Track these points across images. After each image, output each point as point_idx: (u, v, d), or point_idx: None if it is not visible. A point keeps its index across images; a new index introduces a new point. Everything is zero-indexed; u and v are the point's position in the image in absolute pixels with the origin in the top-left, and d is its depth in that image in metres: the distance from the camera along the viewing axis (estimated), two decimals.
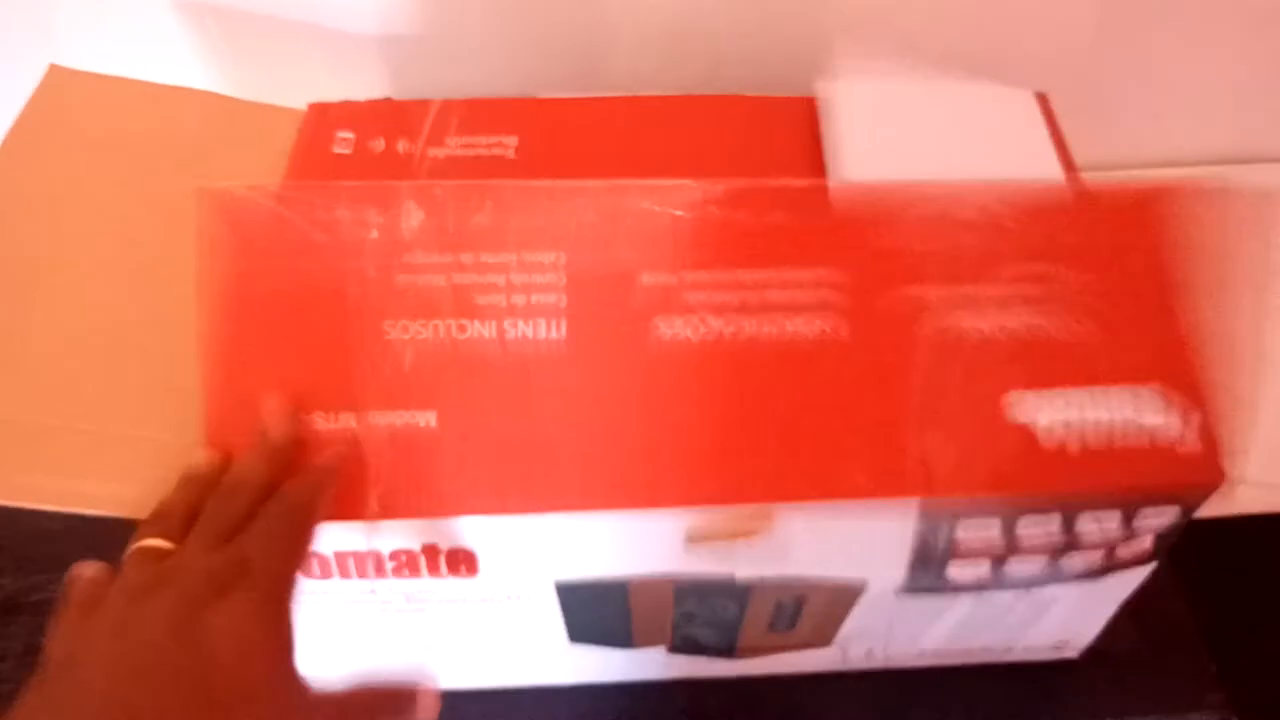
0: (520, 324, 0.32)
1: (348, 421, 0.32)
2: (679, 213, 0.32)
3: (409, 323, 0.32)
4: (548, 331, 0.32)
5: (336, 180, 0.40)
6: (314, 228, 0.33)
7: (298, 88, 0.57)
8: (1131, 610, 0.41)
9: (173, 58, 0.56)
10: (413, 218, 0.33)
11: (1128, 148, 0.65)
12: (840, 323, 0.32)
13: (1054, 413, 0.33)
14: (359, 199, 0.33)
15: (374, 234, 0.33)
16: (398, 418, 0.32)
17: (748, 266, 0.33)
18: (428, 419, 0.32)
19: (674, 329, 0.32)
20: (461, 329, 0.32)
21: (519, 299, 0.32)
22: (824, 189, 0.34)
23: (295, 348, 0.32)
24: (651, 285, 0.32)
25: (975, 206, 0.33)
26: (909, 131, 0.43)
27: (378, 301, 0.32)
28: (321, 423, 0.32)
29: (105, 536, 0.49)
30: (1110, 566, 0.37)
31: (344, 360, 0.32)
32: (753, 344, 0.32)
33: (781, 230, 0.33)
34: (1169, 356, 0.34)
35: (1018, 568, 0.36)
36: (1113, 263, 0.34)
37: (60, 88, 0.42)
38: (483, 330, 0.32)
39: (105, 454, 0.33)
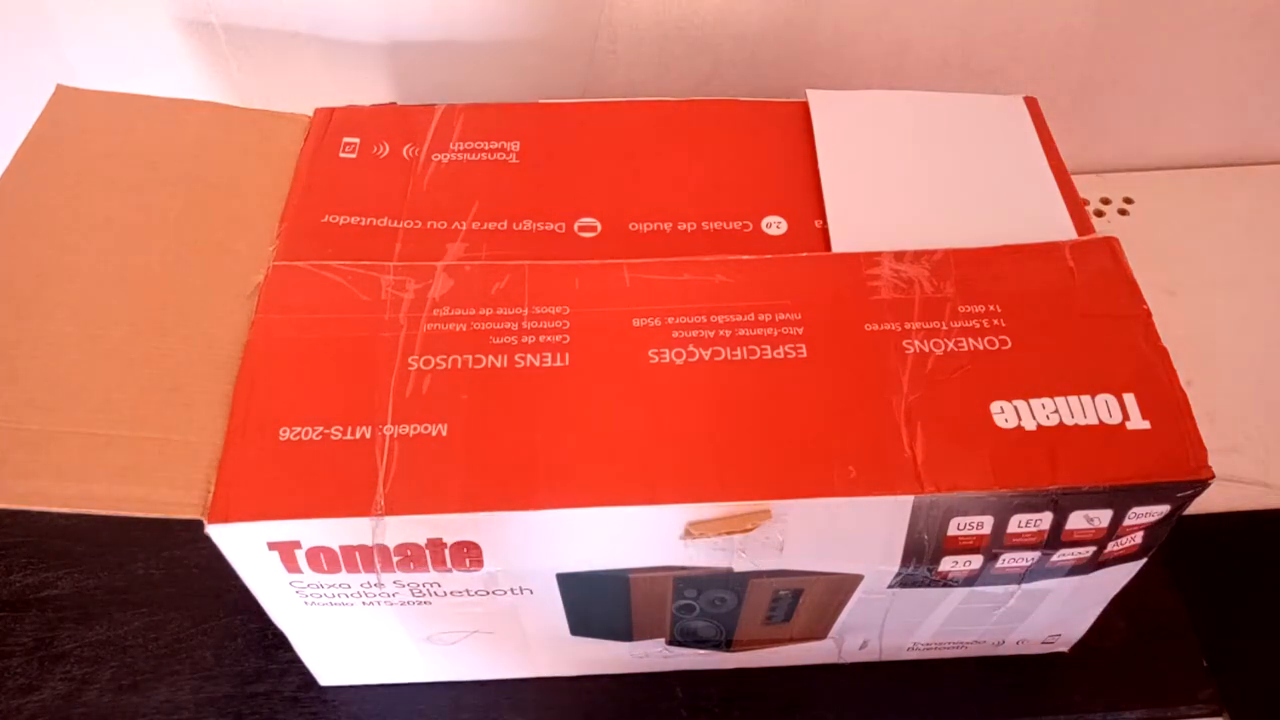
0: (529, 356, 0.35)
1: (363, 433, 0.33)
2: (664, 277, 0.38)
3: (430, 357, 0.35)
4: (553, 360, 0.35)
5: (343, 186, 0.41)
6: (359, 290, 0.37)
7: (304, 95, 0.58)
8: (1123, 605, 0.41)
9: (181, 70, 0.57)
10: (443, 285, 0.37)
11: (1124, 151, 0.66)
12: (808, 349, 0.36)
13: (1041, 417, 0.34)
14: (400, 271, 0.38)
15: (409, 295, 0.37)
16: (411, 429, 0.34)
17: (722, 313, 0.37)
18: (439, 429, 0.34)
19: (664, 358, 0.36)
20: (477, 361, 0.35)
21: (529, 339, 0.36)
22: (791, 259, 0.39)
23: (322, 377, 0.35)
24: (642, 327, 0.36)
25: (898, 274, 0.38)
26: (898, 137, 0.43)
27: (404, 343, 0.36)
28: (338, 434, 0.33)
29: (116, 534, 0.50)
30: (1101, 562, 0.37)
31: (367, 386, 0.34)
32: (735, 365, 0.36)
33: (747, 285, 0.38)
34: (1141, 366, 0.35)
35: (1009, 563, 0.36)
36: (1039, 298, 0.37)
37: (67, 106, 0.43)
38: (495, 361, 0.35)
39: (111, 456, 0.33)
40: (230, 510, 0.32)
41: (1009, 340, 0.36)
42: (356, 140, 0.43)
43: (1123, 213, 0.64)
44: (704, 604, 0.39)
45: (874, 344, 0.36)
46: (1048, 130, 0.44)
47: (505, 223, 0.40)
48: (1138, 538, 0.36)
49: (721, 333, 0.36)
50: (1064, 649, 0.46)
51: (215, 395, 0.35)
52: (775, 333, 0.36)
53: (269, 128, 0.43)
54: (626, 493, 0.33)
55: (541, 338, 0.36)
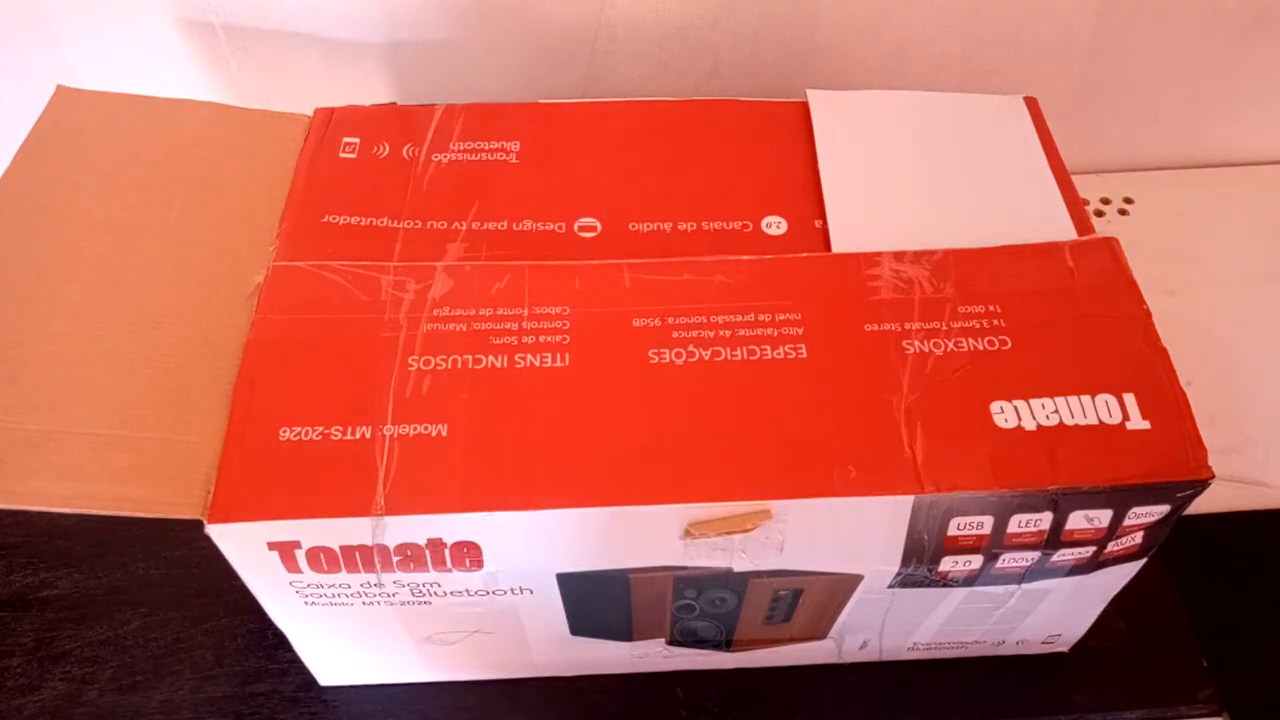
0: (529, 356, 0.35)
1: (363, 433, 0.33)
2: (663, 277, 0.38)
3: (430, 357, 0.35)
4: (553, 361, 0.35)
5: (343, 186, 0.41)
6: (359, 290, 0.37)
7: (304, 95, 0.58)
8: (1123, 605, 0.41)
9: (181, 70, 0.57)
10: (443, 285, 0.37)
11: (1124, 151, 0.66)
12: (808, 349, 0.36)
13: (1041, 417, 0.34)
14: (400, 271, 0.38)
15: (409, 295, 0.37)
16: (411, 429, 0.34)
17: (722, 313, 0.37)
18: (439, 429, 0.34)
19: (664, 358, 0.36)
20: (477, 361, 0.35)
21: (529, 339, 0.36)
22: (791, 259, 0.39)
23: (322, 377, 0.35)
24: (642, 327, 0.36)
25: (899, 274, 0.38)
26: (898, 137, 0.43)
27: (404, 343, 0.36)
28: (338, 434, 0.33)
29: (116, 534, 0.50)
30: (1101, 562, 0.37)
31: (367, 386, 0.34)
32: (735, 365, 0.36)
33: (747, 286, 0.38)
34: (1141, 366, 0.35)
35: (1009, 563, 0.36)
36: (1039, 298, 0.38)
37: (67, 106, 0.43)
38: (495, 361, 0.35)
39: (111, 456, 0.33)
40: (230, 510, 0.32)
41: (1009, 340, 0.36)
42: (356, 140, 0.43)
43: (1123, 213, 0.64)
44: (704, 604, 0.39)
45: (874, 344, 0.36)
46: (1048, 130, 0.44)
47: (505, 223, 0.40)
48: (1138, 538, 0.36)
49: (721, 333, 0.36)
50: (1064, 649, 0.46)
51: (215, 395, 0.35)
52: (775, 333, 0.36)
53: (269, 128, 0.43)
54: (626, 493, 0.33)
55: (541, 338, 0.36)
